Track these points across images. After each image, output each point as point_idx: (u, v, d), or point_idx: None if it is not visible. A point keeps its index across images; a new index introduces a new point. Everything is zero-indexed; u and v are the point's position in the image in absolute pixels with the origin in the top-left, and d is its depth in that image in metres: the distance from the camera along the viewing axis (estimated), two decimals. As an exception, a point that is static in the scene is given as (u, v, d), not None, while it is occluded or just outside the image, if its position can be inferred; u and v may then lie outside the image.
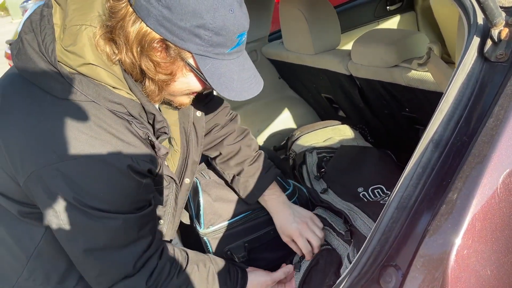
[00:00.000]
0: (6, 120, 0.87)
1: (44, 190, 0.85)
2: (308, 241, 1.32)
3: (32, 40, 0.85)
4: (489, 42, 0.79)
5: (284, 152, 1.98)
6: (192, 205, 1.55)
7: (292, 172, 1.78)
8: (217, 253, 1.47)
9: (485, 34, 0.79)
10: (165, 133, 0.99)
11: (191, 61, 0.85)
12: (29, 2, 12.80)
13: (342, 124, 1.96)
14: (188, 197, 1.54)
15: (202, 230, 1.45)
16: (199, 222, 1.48)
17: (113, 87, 0.87)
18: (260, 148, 1.54)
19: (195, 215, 1.52)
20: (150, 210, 1.00)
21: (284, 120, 2.40)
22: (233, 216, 1.46)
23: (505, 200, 0.65)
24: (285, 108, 2.41)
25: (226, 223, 1.46)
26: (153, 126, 0.97)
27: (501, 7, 0.80)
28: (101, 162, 0.85)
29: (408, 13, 2.81)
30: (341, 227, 1.36)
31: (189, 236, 1.68)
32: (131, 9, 0.80)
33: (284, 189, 1.51)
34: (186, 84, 0.92)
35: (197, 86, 0.93)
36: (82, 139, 0.84)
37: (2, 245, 1.00)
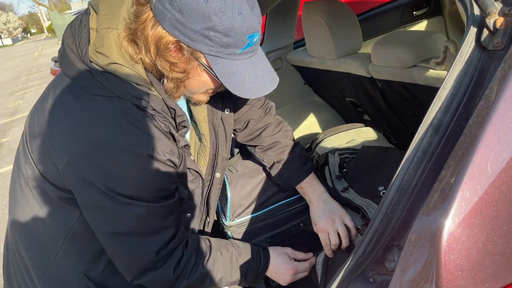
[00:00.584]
0: (53, 114, 0.99)
1: (77, 176, 0.94)
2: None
3: (71, 44, 0.96)
4: (485, 32, 0.83)
5: (309, 154, 2.03)
6: (218, 200, 1.62)
7: (315, 173, 1.83)
8: (240, 248, 1.53)
9: (481, 24, 0.83)
10: (185, 126, 1.05)
11: (203, 61, 0.91)
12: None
13: (365, 126, 1.99)
14: None
15: (227, 223, 1.52)
16: (225, 215, 1.55)
17: (137, 84, 0.95)
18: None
19: (221, 208, 1.59)
20: (174, 202, 1.06)
21: (310, 125, 2.44)
22: (255, 210, 1.53)
23: (495, 176, 0.68)
24: (310, 113, 2.46)
25: (249, 216, 1.52)
26: (174, 120, 1.05)
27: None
28: (126, 151, 0.93)
29: (435, 18, 2.82)
30: (358, 222, 1.40)
31: (213, 232, 1.74)
32: (151, 14, 0.89)
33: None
34: (201, 82, 0.98)
35: (211, 85, 0.99)
36: (110, 130, 0.93)
37: (42, 225, 1.08)
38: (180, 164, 1.06)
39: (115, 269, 1.10)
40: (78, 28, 0.96)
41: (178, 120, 1.03)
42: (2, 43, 46.65)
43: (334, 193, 1.63)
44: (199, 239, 1.20)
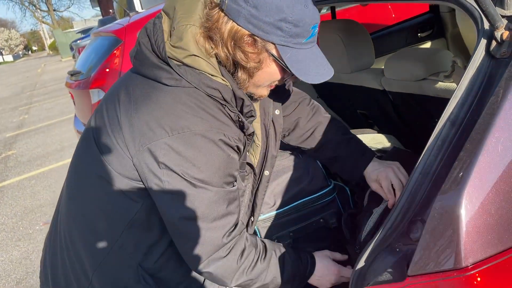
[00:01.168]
0: (129, 107, 1.08)
1: (154, 163, 1.02)
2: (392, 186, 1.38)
3: (147, 43, 1.07)
4: (494, 43, 0.99)
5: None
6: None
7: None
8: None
9: (490, 36, 1.00)
10: (252, 116, 1.14)
11: (274, 52, 1.03)
12: (78, 41, 13.72)
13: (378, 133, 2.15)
14: None
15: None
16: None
17: (211, 75, 1.04)
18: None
19: (247, 206, 1.73)
20: (236, 189, 1.13)
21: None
22: (280, 207, 1.67)
23: (505, 156, 0.84)
24: (323, 125, 2.62)
25: (274, 212, 1.66)
26: (241, 112, 1.12)
27: (503, 16, 1.01)
28: (200, 135, 1.02)
29: (438, 40, 3.02)
30: None
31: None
32: (222, 13, 1.00)
33: (325, 185, 1.71)
34: (269, 74, 1.08)
35: (278, 76, 1.09)
36: (186, 117, 1.02)
37: (103, 216, 1.14)
38: (242, 153, 1.14)
39: (166, 261, 1.17)
40: (153, 30, 1.07)
41: (245, 110, 1.11)
42: (3, 59, 47.10)
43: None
44: (255, 237, 1.25)
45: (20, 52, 55.57)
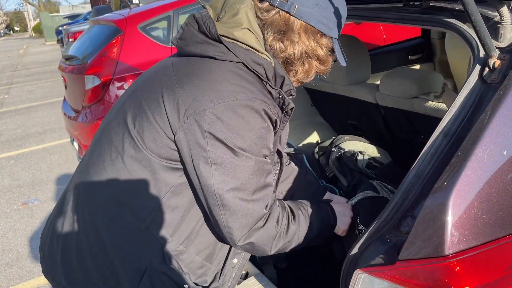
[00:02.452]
0: (176, 85, 1.13)
1: (199, 130, 1.06)
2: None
3: (194, 25, 1.16)
4: (486, 69, 1.15)
5: (325, 148, 2.28)
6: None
7: (338, 163, 2.07)
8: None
9: (484, 63, 1.15)
10: (292, 94, 1.20)
11: (329, 43, 1.23)
12: (65, 27, 13.57)
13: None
14: None
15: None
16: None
17: (257, 51, 1.12)
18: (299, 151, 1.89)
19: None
20: (270, 162, 1.18)
21: (311, 142, 2.75)
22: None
23: (490, 164, 0.99)
24: (313, 132, 2.76)
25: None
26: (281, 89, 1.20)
27: (497, 47, 1.16)
28: (244, 105, 1.07)
29: (427, 64, 3.22)
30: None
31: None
32: (287, 15, 1.15)
33: (318, 185, 1.84)
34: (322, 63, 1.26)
35: (324, 65, 1.27)
36: (231, 88, 1.08)
37: (131, 196, 1.17)
38: (277, 131, 1.19)
39: (190, 244, 1.20)
40: (201, 15, 1.15)
41: (285, 89, 1.18)
42: (-17, 36, 45.90)
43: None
44: (281, 200, 1.31)
45: (1, 31, 54.21)
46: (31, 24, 46.63)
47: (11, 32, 61.16)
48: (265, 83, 1.15)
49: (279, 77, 1.16)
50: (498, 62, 1.13)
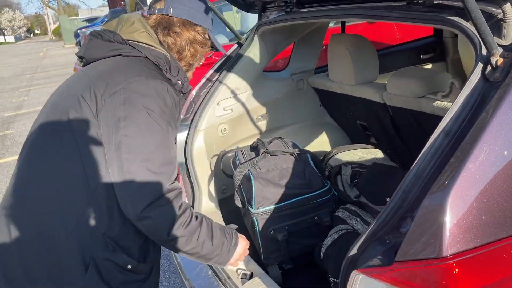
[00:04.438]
0: (92, 82, 1.27)
1: (116, 103, 1.21)
2: None
3: (97, 37, 1.37)
4: (489, 67, 1.13)
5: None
6: (244, 191, 1.88)
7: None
8: (263, 231, 1.79)
9: (486, 61, 1.13)
10: (186, 80, 1.43)
11: (206, 35, 1.47)
12: (83, 29, 13.78)
13: (374, 148, 2.29)
14: (240, 184, 1.88)
15: (253, 210, 1.78)
16: (250, 204, 1.81)
17: (156, 47, 1.37)
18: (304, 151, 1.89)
19: (246, 199, 1.85)
20: (173, 140, 1.31)
21: (320, 143, 2.73)
22: (279, 202, 1.79)
23: (488, 165, 0.97)
24: (322, 132, 2.75)
25: (273, 206, 1.78)
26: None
27: (499, 45, 1.14)
28: (153, 80, 1.27)
29: (439, 63, 3.17)
30: (369, 218, 1.67)
31: (239, 217, 2.00)
32: (160, 16, 1.41)
33: (322, 186, 1.83)
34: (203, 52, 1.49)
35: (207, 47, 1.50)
36: (139, 72, 1.29)
37: (66, 191, 1.24)
38: (178, 115, 1.36)
39: (126, 231, 1.26)
40: (103, 31, 1.38)
41: (180, 75, 1.41)
42: (5, 40, 46.91)
43: (346, 198, 1.92)
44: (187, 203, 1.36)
45: (22, 34, 55.35)
46: (51, 27, 47.48)
47: (32, 35, 62.42)
48: (165, 72, 1.37)
49: (174, 67, 1.39)
50: (501, 60, 1.11)
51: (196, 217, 1.31)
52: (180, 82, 1.40)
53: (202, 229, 1.30)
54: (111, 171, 1.22)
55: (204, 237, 1.29)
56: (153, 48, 1.37)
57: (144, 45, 1.36)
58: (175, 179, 1.29)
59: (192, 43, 1.46)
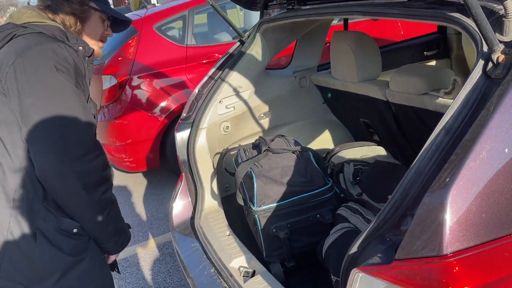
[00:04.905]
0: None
1: (18, 65, 1.27)
2: None
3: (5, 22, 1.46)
4: (490, 64, 1.12)
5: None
6: (246, 189, 1.88)
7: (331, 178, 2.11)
8: (265, 229, 1.78)
9: (487, 58, 1.12)
10: (84, 47, 1.46)
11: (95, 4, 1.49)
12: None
13: (377, 145, 2.28)
14: (242, 182, 1.88)
15: (255, 208, 1.78)
16: (252, 202, 1.81)
17: (47, 23, 1.42)
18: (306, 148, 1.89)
19: (248, 197, 1.85)
20: (86, 102, 1.38)
21: (323, 141, 2.73)
22: (281, 200, 1.79)
23: (489, 162, 0.96)
24: (325, 130, 2.74)
25: (274, 204, 1.78)
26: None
27: (500, 41, 1.13)
28: (53, 44, 1.33)
29: (443, 60, 3.15)
30: (370, 216, 1.67)
31: (241, 215, 2.00)
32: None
33: (324, 184, 1.83)
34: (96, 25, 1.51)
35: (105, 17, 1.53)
36: (36, 42, 1.32)
37: (7, 171, 1.31)
38: (85, 76, 1.42)
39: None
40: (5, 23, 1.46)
41: (80, 42, 1.45)
42: (11, 39, 47.14)
43: (348, 196, 1.91)
44: None
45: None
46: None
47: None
48: (64, 43, 1.38)
49: (71, 36, 1.44)
50: (502, 57, 1.10)
51: (113, 197, 1.40)
52: (81, 48, 1.44)
53: (114, 204, 1.41)
54: (26, 135, 1.27)
55: (115, 211, 1.41)
56: (45, 23, 1.43)
57: (37, 23, 1.42)
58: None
59: (88, 13, 1.49)
